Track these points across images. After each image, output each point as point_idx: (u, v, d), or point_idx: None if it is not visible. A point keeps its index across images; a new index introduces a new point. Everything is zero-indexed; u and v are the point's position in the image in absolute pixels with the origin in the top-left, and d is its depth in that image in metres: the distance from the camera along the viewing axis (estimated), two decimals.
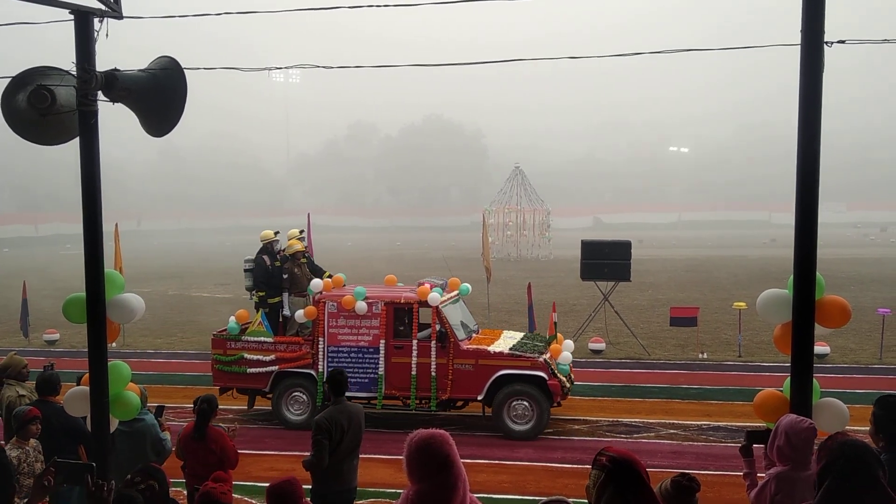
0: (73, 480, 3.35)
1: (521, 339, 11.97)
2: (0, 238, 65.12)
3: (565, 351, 11.56)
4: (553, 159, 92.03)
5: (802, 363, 5.25)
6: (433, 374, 11.17)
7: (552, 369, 10.99)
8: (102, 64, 4.88)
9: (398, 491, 3.36)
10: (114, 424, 5.56)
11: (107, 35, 4.88)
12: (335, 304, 11.46)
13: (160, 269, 40.21)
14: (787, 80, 5.69)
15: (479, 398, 11.12)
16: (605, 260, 16.68)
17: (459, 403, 11.65)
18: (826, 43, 5.11)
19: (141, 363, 15.62)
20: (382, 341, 11.32)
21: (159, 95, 4.78)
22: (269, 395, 11.87)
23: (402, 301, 11.42)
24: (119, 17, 4.96)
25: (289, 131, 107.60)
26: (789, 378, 5.38)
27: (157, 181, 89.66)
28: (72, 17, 4.82)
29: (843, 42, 5.34)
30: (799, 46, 5.15)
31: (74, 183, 4.90)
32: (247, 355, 11.61)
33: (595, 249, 16.93)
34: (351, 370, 10.96)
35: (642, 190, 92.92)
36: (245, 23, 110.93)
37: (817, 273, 5.30)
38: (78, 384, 5.70)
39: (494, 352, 11.13)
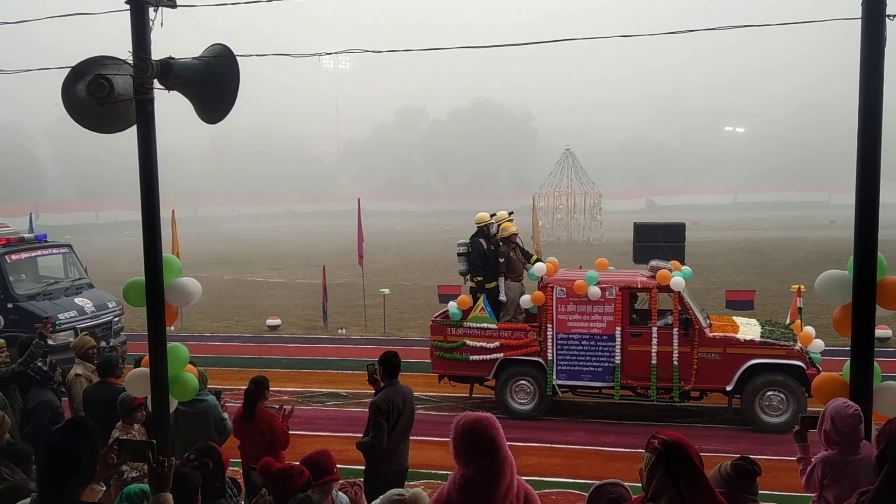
0: (136, 457, 3.47)
1: (764, 326, 11.22)
2: (62, 225, 67.07)
3: (816, 339, 10.84)
4: (604, 141, 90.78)
5: (863, 345, 5.13)
6: (675, 363, 10.49)
7: (810, 358, 10.44)
8: (157, 53, 4.98)
9: (449, 472, 3.39)
10: (174, 405, 5.71)
11: (161, 24, 4.97)
12: (564, 288, 10.91)
13: (215, 254, 41.01)
14: (847, 56, 5.50)
15: (728, 389, 10.43)
16: (659, 242, 16.44)
17: (695, 394, 10.99)
18: (889, 16, 4.95)
19: (198, 346, 15.98)
20: (618, 328, 10.72)
21: (213, 83, 4.86)
22: (487, 383, 11.56)
23: (640, 286, 10.87)
24: (173, 5, 5.04)
25: (338, 117, 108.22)
26: (849, 361, 5.26)
27: (211, 168, 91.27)
28: (127, 6, 4.92)
29: None
30: (860, 20, 4.99)
31: (132, 170, 5.02)
32: (469, 342, 11.22)
33: (648, 232, 16.70)
34: (583, 358, 10.74)
35: (697, 171, 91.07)
36: (295, 12, 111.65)
37: (879, 253, 5.16)
38: (137, 366, 5.87)
39: (745, 340, 10.41)
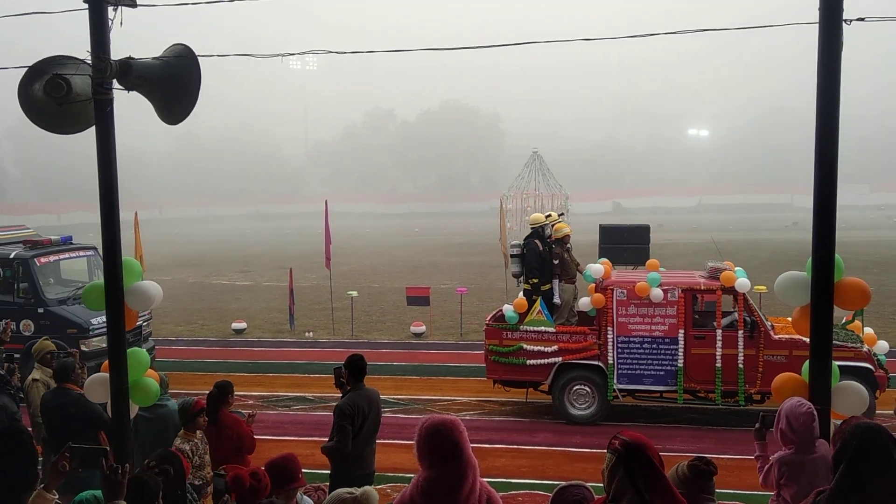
0: (88, 464, 3.39)
1: None
2: None
3: (881, 340, 10.71)
4: (572, 144, 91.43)
5: (821, 346, 5.21)
6: (740, 366, 10.30)
7: (878, 359, 10.25)
8: (116, 54, 4.91)
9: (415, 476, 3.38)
10: (134, 410, 5.62)
11: (121, 23, 4.89)
12: (625, 291, 10.70)
13: (180, 256, 40.54)
14: (808, 61, 5.59)
15: None
16: (624, 244, 16.48)
17: (757, 397, 10.67)
18: (845, 20, 5.04)
19: (162, 350, 15.76)
20: (681, 331, 10.50)
21: (174, 83, 4.80)
22: (543, 388, 11.32)
23: (703, 288, 10.67)
24: (133, 5, 4.98)
25: (307, 119, 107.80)
26: (808, 361, 5.34)
27: (177, 170, 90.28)
28: (86, 5, 4.84)
29: (862, 20, 5.25)
30: (817, 25, 5.08)
31: (93, 172, 4.93)
32: (526, 346, 10.94)
33: (613, 234, 16.76)
34: (644, 362, 10.56)
35: (662, 174, 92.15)
36: (259, 14, 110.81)
37: (836, 255, 5.25)
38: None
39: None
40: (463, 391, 12.97)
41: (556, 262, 11.67)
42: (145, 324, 13.77)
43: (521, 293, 11.71)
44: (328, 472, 6.64)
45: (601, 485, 3.23)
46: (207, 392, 6.79)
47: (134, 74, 4.71)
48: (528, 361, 10.97)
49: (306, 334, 18.32)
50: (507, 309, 11.31)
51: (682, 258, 33.58)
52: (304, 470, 4.94)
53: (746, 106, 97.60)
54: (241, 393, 11.10)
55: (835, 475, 3.32)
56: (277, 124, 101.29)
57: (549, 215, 12.23)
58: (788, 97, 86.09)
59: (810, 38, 5.35)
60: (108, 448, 3.44)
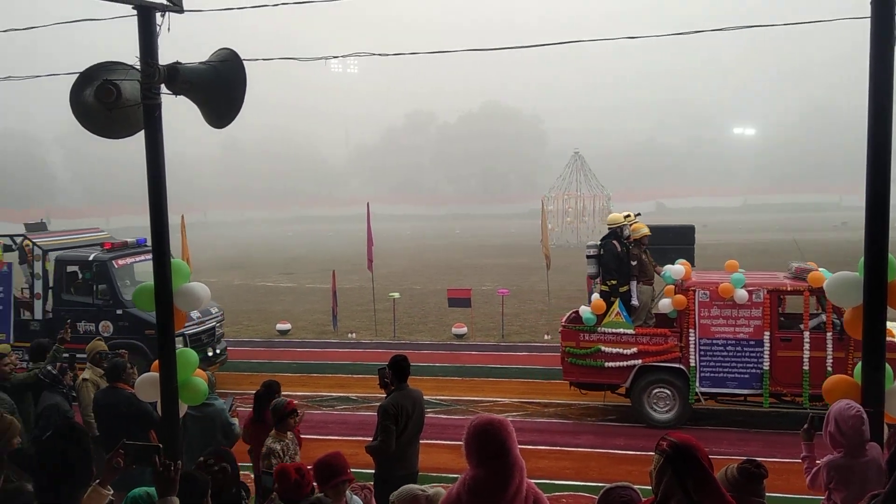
0: (141, 461, 3.46)
1: None
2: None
3: None
4: (613, 144, 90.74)
5: (874, 347, 5.08)
6: (829, 369, 9.86)
7: None
8: (169, 56, 4.99)
9: (459, 476, 3.38)
10: (183, 409, 5.72)
11: (168, 29, 4.98)
12: (707, 292, 10.48)
13: (225, 259, 41.15)
14: (859, 59, 5.46)
15: None
16: (669, 245, 16.30)
17: None
18: None
19: None
20: (766, 333, 10.23)
21: (220, 87, 4.86)
22: (620, 391, 11.15)
23: (789, 289, 10.38)
24: (180, 10, 5.06)
25: (347, 122, 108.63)
26: (860, 363, 5.21)
27: (221, 174, 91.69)
28: (135, 12, 4.94)
29: None
30: (869, 20, 4.96)
31: (140, 175, 5.03)
32: (604, 348, 10.78)
33: (658, 234, 16.47)
34: (728, 364, 10.38)
35: (706, 173, 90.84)
36: (301, 18, 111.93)
37: (889, 255, 5.12)
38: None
39: None
40: (505, 392, 12.94)
41: (634, 263, 11.43)
42: (218, 324, 13.97)
43: (596, 295, 11.36)
44: (372, 471, 6.68)
45: (647, 487, 3.20)
46: (255, 392, 6.89)
47: (181, 79, 4.78)
48: (607, 364, 10.79)
49: (349, 335, 18.45)
50: (585, 310, 11.06)
51: (728, 259, 33.06)
52: (352, 469, 4.97)
53: (793, 105, 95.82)
54: (286, 393, 11.14)
55: (889, 479, 3.24)
56: (318, 127, 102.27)
57: (628, 215, 11.93)
58: (837, 96, 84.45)
59: (861, 35, 5.22)
60: (160, 445, 3.50)
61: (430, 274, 31.30)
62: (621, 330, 10.81)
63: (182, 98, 4.95)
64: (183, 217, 15.96)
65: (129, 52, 5.07)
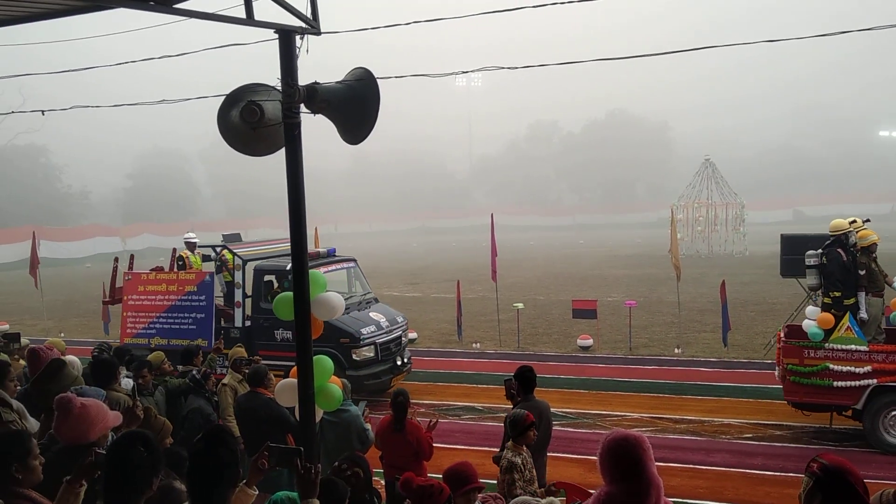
0: (283, 463, 3.63)
1: None
2: (215, 243, 71.38)
3: None
4: (746, 149, 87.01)
5: None
6: None
7: None
8: (303, 79, 5.23)
9: (589, 491, 3.34)
10: (319, 415, 5.93)
11: (307, 51, 5.22)
12: None
13: None
14: None
15: None
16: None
17: None
18: None
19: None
20: None
21: (355, 105, 5.04)
22: (847, 413, 10.42)
23: None
24: (318, 33, 5.29)
25: (471, 134, 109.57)
26: None
27: (351, 186, 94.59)
28: (276, 35, 5.20)
29: None
30: None
31: (277, 190, 5.27)
32: (833, 366, 10.01)
33: (797, 243, 15.74)
34: None
35: (848, 179, 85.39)
36: (427, 30, 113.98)
37: None
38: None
39: None
40: (634, 407, 12.64)
41: (861, 272, 10.56)
42: (403, 333, 14.11)
43: (820, 306, 10.64)
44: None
45: None
46: (386, 400, 7.05)
47: (319, 98, 4.99)
48: (835, 383, 10.03)
49: (473, 345, 18.56)
50: (810, 325, 10.31)
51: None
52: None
53: None
54: (413, 400, 11.40)
55: None
56: (442, 142, 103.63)
57: (854, 221, 11.08)
58: None
59: None
60: (301, 448, 3.66)
61: (554, 285, 31.04)
62: (853, 346, 10.01)
63: (318, 116, 5.17)
64: (316, 229, 16.57)
65: (270, 74, 5.35)
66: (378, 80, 5.15)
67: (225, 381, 8.45)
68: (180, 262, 14.88)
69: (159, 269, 14.65)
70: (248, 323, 13.47)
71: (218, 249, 14.54)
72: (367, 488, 4.52)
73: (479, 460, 9.01)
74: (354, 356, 12.49)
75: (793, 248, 15.76)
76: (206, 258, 15.24)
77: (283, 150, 5.31)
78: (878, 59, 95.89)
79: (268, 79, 5.45)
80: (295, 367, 5.52)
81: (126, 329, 13.38)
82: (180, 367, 8.85)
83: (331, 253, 14.53)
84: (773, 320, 19.35)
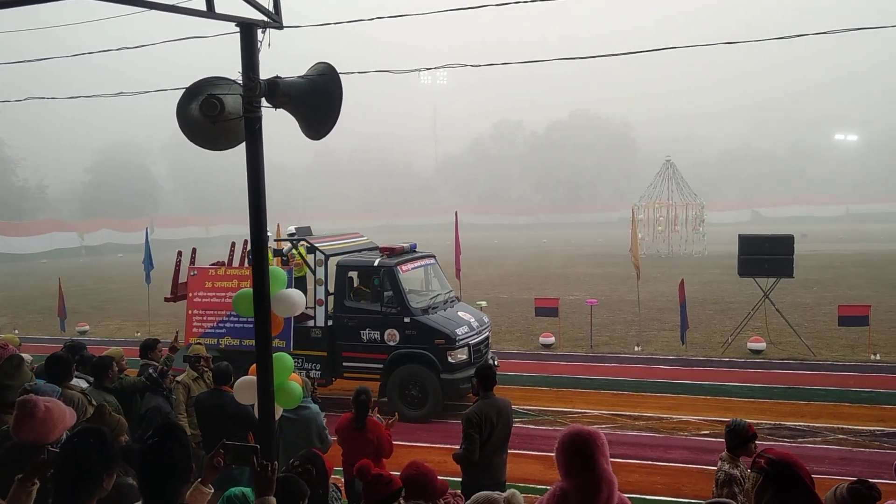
0: (240, 461, 3.59)
1: None
2: (175, 239, 70.43)
3: None
4: (707, 151, 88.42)
5: None
6: None
7: None
8: (264, 73, 5.17)
9: (547, 487, 3.36)
10: (279, 412, 5.88)
11: (269, 45, 5.16)
12: None
13: None
14: None
15: None
16: (766, 255, 15.83)
17: None
18: None
19: None
20: None
21: (318, 100, 4.99)
22: None
23: None
24: (280, 27, 5.23)
25: (436, 132, 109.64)
26: None
27: (315, 183, 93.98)
28: (237, 29, 5.13)
29: None
30: None
31: (240, 187, 5.20)
32: None
33: (754, 244, 16.11)
34: None
35: (805, 181, 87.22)
36: (394, 28, 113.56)
37: None
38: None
39: None
40: (594, 404, 12.76)
41: None
42: (487, 333, 13.24)
43: None
44: (460, 479, 6.71)
45: None
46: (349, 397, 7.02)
47: (281, 93, 4.93)
48: None
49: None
50: None
51: (829, 270, 31.71)
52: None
53: None
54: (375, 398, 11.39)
55: None
56: (407, 141, 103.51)
57: None
58: None
59: None
60: (258, 446, 3.62)
61: (517, 283, 31.19)
62: None
63: (279, 112, 5.12)
64: (278, 225, 16.44)
65: (231, 68, 5.28)
66: (341, 76, 5.12)
67: (180, 378, 8.35)
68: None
69: (220, 264, 13.74)
70: (330, 322, 12.58)
71: (297, 243, 13.39)
72: (320, 485, 4.49)
73: (440, 457, 9.04)
74: (450, 358, 11.74)
75: (750, 249, 16.10)
76: (276, 252, 14.03)
77: (243, 145, 5.24)
78: (837, 61, 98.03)
79: (229, 72, 5.39)
80: (254, 365, 5.46)
81: (192, 328, 12.44)
82: (141, 362, 8.71)
83: (412, 248, 13.77)
84: (730, 319, 19.68)
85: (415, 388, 11.97)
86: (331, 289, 12.77)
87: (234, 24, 5.09)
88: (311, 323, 12.57)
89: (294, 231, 14.01)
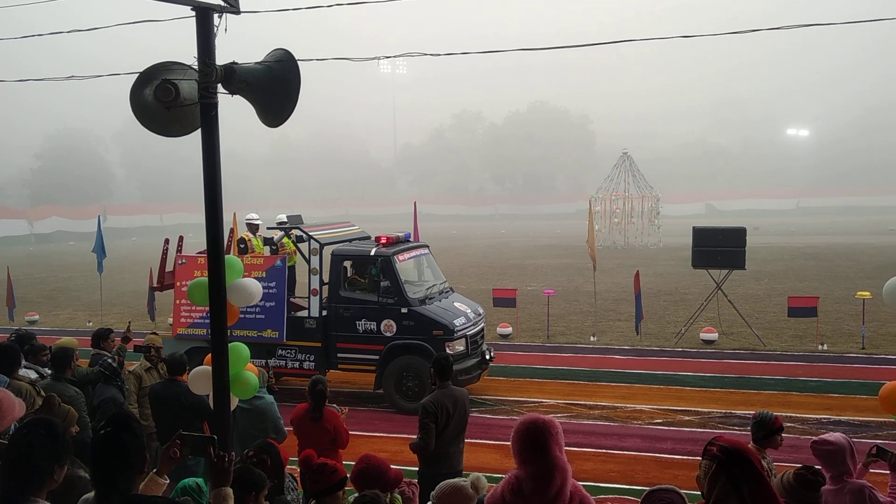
0: (196, 452, 3.56)
1: None
2: (129, 227, 69.20)
3: None
4: (663, 144, 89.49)
5: None
6: None
7: None
8: (221, 59, 5.09)
9: (504, 475, 3.40)
10: (234, 402, 5.82)
11: (226, 30, 5.07)
12: None
13: None
14: None
15: None
16: (718, 247, 16.13)
17: None
18: None
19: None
20: None
21: (275, 87, 4.93)
22: None
23: None
24: (237, 12, 5.15)
25: (395, 121, 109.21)
26: None
27: (272, 171, 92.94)
28: (193, 13, 5.04)
29: None
30: None
31: (195, 175, 5.12)
32: None
33: (707, 236, 16.40)
34: None
35: (758, 175, 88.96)
36: (354, 25, 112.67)
37: None
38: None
39: None
40: (550, 394, 12.89)
41: None
42: (482, 324, 13.11)
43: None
44: (416, 468, 6.73)
45: (694, 492, 3.16)
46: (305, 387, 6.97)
47: (237, 79, 4.86)
48: None
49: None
50: None
51: (779, 262, 32.42)
52: (393, 466, 5.03)
53: (847, 105, 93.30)
54: (332, 389, 11.35)
55: None
56: (366, 130, 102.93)
57: None
58: (891, 94, 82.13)
59: None
60: (215, 437, 3.58)
61: (475, 273, 31.30)
62: None
63: (235, 99, 5.04)
64: (235, 214, 16.23)
65: (187, 53, 5.19)
66: (299, 63, 5.07)
67: (132, 368, 8.23)
68: (242, 246, 13.38)
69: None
70: (324, 312, 12.33)
71: (288, 231, 13.14)
72: (276, 474, 4.47)
73: (397, 447, 9.06)
74: (448, 350, 11.46)
75: (704, 241, 16.39)
76: (266, 241, 13.81)
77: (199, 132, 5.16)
78: (790, 58, 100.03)
79: (185, 57, 5.29)
80: (209, 355, 5.40)
81: (180, 318, 12.21)
82: (93, 352, 8.54)
83: (406, 238, 13.60)
84: (684, 310, 20.02)
85: (411, 380, 11.83)
86: (325, 278, 12.56)
87: (189, 7, 4.99)
88: (304, 313, 12.40)
89: (285, 219, 13.75)
